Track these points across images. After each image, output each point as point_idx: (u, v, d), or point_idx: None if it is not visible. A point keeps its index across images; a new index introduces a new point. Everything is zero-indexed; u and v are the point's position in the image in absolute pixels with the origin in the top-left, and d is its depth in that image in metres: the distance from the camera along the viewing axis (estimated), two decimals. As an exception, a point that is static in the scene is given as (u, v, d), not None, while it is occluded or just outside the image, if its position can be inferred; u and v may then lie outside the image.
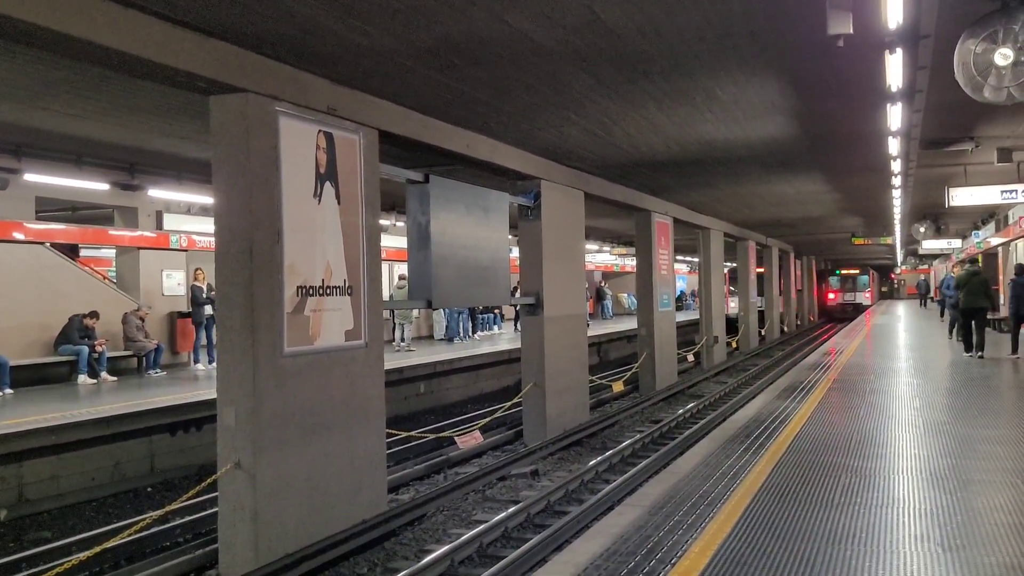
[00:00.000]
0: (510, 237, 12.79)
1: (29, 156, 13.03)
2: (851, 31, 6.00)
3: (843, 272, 51.09)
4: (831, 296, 51.58)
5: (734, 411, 14.18)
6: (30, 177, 14.30)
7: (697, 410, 16.41)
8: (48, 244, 15.73)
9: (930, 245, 33.24)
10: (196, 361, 16.88)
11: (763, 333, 33.63)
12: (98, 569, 7.54)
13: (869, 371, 14.75)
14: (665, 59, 7.99)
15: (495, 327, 28.05)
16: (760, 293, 33.63)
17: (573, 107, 9.84)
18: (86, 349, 14.58)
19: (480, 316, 26.28)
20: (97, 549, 6.99)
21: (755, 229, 30.22)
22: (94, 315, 14.97)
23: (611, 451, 12.21)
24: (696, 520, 5.69)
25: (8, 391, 13.08)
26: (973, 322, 16.58)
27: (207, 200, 17.60)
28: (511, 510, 9.05)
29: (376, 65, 7.77)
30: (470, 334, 25.10)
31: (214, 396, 7.62)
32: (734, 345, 28.64)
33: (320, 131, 8.01)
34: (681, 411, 15.95)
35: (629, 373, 18.59)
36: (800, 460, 7.54)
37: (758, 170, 15.54)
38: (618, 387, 17.41)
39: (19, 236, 15.19)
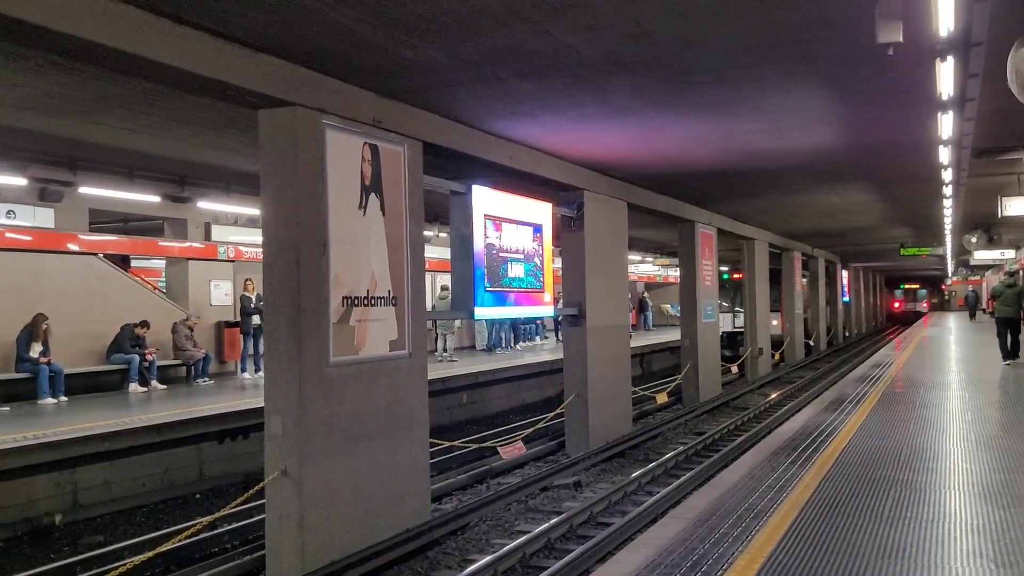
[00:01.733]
0: (553, 248, 12.80)
1: (84, 169, 13.37)
2: (901, 39, 5.93)
3: (906, 287, 70.27)
4: (897, 305, 70.19)
5: (780, 423, 14.04)
6: (84, 190, 14.68)
7: (742, 422, 16.25)
8: (101, 255, 16.08)
9: (982, 256, 32.56)
10: (243, 370, 17.13)
11: (810, 344, 33.18)
12: (150, 574, 7.67)
13: (919, 384, 14.50)
14: (709, 69, 7.96)
15: (537, 338, 28.05)
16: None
17: (617, 118, 9.84)
18: (137, 358, 14.86)
19: (522, 327, 26.30)
20: (150, 554, 7.12)
21: (801, 240, 29.89)
22: (145, 324, 15.26)
23: (654, 463, 12.14)
24: (742, 533, 5.64)
25: (63, 398, 13.38)
26: (1008, 330, 17.44)
27: (254, 212, 17.90)
28: (554, 521, 9.04)
29: (421, 78, 7.85)
30: (512, 345, 25.12)
31: (261, 405, 7.74)
32: (778, 357, 28.30)
33: (365, 143, 8.11)
34: (725, 423, 15.81)
35: (672, 384, 18.47)
36: (848, 473, 7.44)
37: (804, 180, 15.38)
38: (661, 398, 17.30)
39: (73, 247, 15.55)
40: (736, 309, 28.33)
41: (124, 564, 6.91)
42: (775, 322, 27.71)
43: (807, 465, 7.80)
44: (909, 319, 58.95)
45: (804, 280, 32.26)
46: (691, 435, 15.21)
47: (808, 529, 5.73)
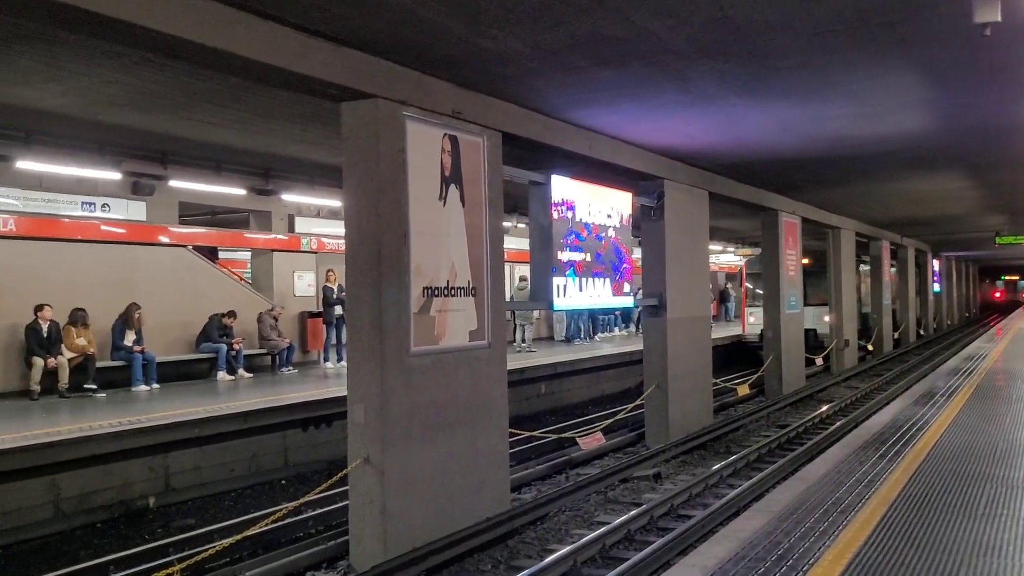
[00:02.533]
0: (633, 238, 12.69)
1: (174, 163, 13.79)
2: (999, 19, 5.69)
3: (1006, 278, 75.05)
4: (997, 295, 74.94)
5: (867, 417, 13.69)
6: (174, 183, 15.14)
7: (827, 415, 15.89)
8: (190, 247, 16.57)
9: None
10: (326, 360, 17.45)
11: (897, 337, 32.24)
12: (238, 556, 7.88)
13: (1016, 376, 13.95)
14: (796, 54, 7.77)
15: (616, 328, 27.89)
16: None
17: (699, 106, 9.69)
18: (225, 347, 15.28)
19: (601, 317, 26.18)
20: (238, 537, 7.31)
21: (889, 228, 29.00)
22: (232, 315, 15.68)
23: (736, 455, 11.96)
24: (828, 527, 5.51)
25: (155, 386, 13.85)
26: None
27: (336, 204, 18.22)
28: (633, 512, 8.98)
29: (500, 68, 7.85)
30: (591, 335, 25.03)
31: (343, 393, 7.86)
32: (870, 348, 27.56)
33: (445, 134, 8.16)
34: (810, 416, 15.48)
35: (755, 376, 18.15)
36: (940, 468, 7.20)
37: (894, 166, 14.91)
38: (743, 390, 17.02)
39: (164, 239, 16.06)
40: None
41: (214, 546, 7.13)
42: (826, 318, 24.08)
43: (896, 460, 7.59)
44: (1010, 308, 62.58)
45: (892, 270, 31.28)
46: (774, 428, 14.93)
47: (898, 525, 5.57)
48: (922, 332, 37.32)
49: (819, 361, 22.29)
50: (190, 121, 10.72)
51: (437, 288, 7.99)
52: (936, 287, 43.17)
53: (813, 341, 23.65)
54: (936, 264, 42.76)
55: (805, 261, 23.00)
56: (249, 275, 20.11)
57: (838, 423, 14.65)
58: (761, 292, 21.21)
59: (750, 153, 12.90)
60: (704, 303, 14.67)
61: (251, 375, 15.56)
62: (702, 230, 14.62)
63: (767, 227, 18.68)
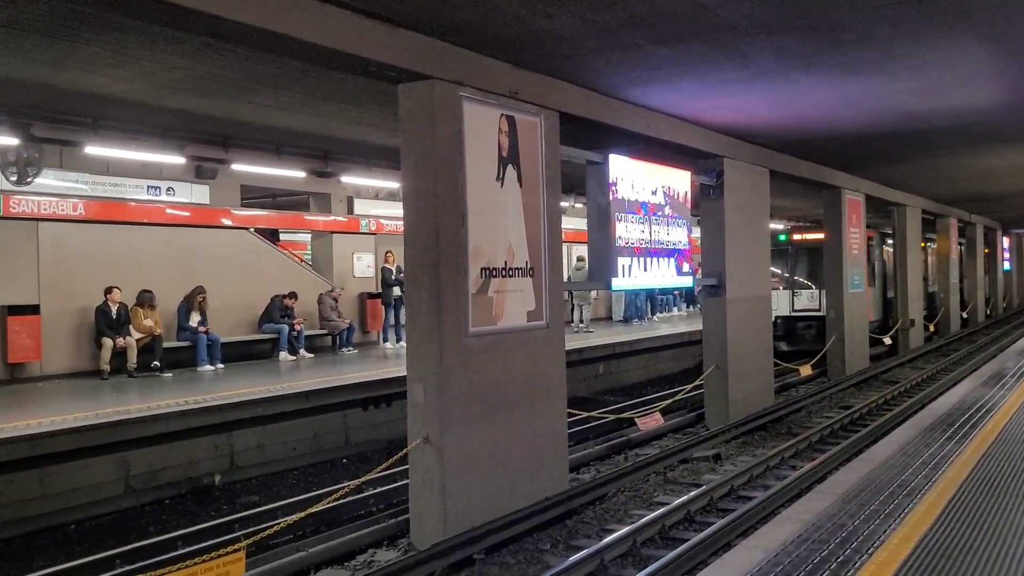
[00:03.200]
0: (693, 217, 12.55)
1: (235, 147, 13.99)
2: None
3: None
4: None
5: (933, 398, 13.40)
6: (236, 167, 15.38)
7: (892, 396, 15.58)
8: (252, 229, 16.85)
9: None
10: (385, 340, 17.64)
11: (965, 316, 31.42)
12: (301, 533, 8.04)
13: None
14: (859, 27, 7.57)
15: (674, 308, 27.67)
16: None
17: (759, 82, 9.51)
18: (286, 328, 15.53)
19: (659, 297, 25.99)
20: (301, 514, 7.45)
21: (957, 205, 28.21)
22: (293, 296, 15.92)
23: (798, 436, 11.81)
24: (894, 510, 5.42)
25: (220, 366, 14.15)
26: None
27: (393, 185, 18.34)
28: (693, 493, 8.94)
29: (557, 47, 7.80)
30: (649, 315, 24.88)
31: (402, 374, 7.94)
32: (932, 329, 26.92)
33: (502, 115, 8.14)
34: (874, 397, 15.20)
35: (817, 357, 17.87)
36: (1010, 452, 7.02)
37: (961, 142, 14.48)
38: (805, 371, 16.76)
39: (227, 222, 16.35)
40: (800, 282, 20.97)
41: (278, 523, 7.27)
42: (810, 302, 20.72)
43: (964, 442, 7.42)
44: None
45: (960, 248, 30.43)
46: (837, 409, 14.70)
47: (966, 508, 5.45)
48: (990, 312, 36.32)
49: (886, 341, 21.83)
50: (251, 105, 10.85)
51: (495, 269, 8.00)
52: (1006, 265, 41.97)
53: (785, 333, 19.98)
54: (1006, 241, 41.54)
55: (811, 235, 20.69)
56: (309, 257, 20.39)
57: (904, 404, 14.37)
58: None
59: (812, 129, 12.64)
60: (765, 283, 14.48)
61: (312, 355, 15.80)
62: (762, 209, 14.40)
63: (829, 205, 18.32)
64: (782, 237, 21.42)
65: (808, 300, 20.55)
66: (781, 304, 20.03)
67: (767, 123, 12.02)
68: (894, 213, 23.34)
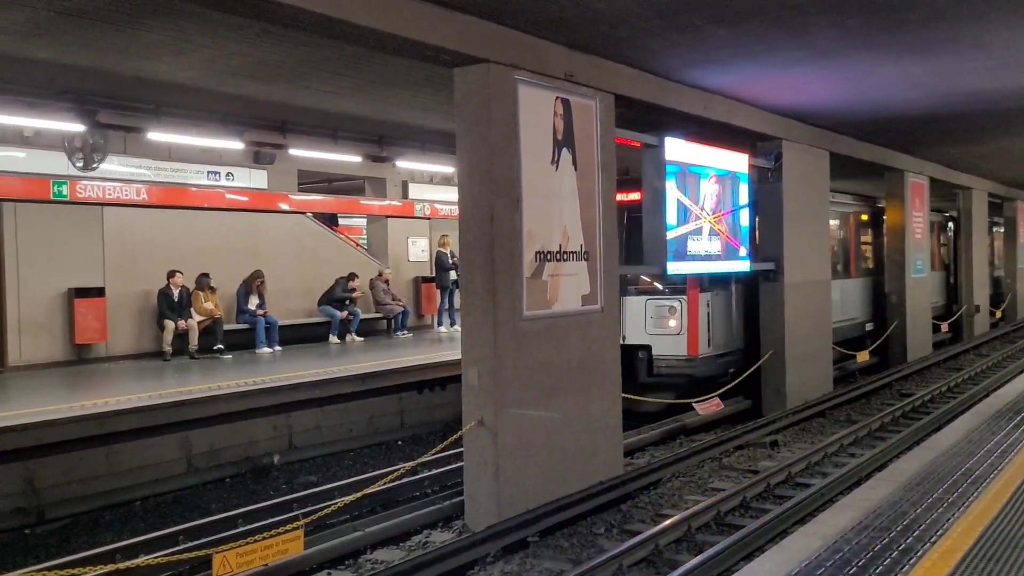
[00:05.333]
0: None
1: (292, 132, 14.16)
2: None
3: None
4: None
5: (999, 386, 13.08)
6: (294, 152, 15.56)
7: (955, 384, 15.23)
8: (309, 214, 17.05)
9: None
10: (439, 324, 17.75)
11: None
12: (357, 513, 8.15)
13: None
14: (925, 6, 7.36)
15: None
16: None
17: (820, 62, 9.32)
18: (338, 314, 15.66)
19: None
20: (358, 494, 7.54)
21: (1026, 188, 27.39)
22: (354, 276, 16.10)
23: (858, 424, 11.61)
24: (958, 499, 5.31)
25: (278, 348, 14.38)
26: None
27: (448, 170, 18.39)
28: (749, 479, 8.85)
29: (613, 29, 7.72)
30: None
31: (456, 357, 7.97)
32: (998, 315, 26.20)
33: (557, 97, 8.10)
34: (936, 384, 14.87)
35: (876, 344, 17.53)
36: (1080, 441, 6.82)
37: (1031, 122, 14.04)
38: (863, 357, 16.44)
39: (284, 207, 16.57)
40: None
41: (336, 503, 7.39)
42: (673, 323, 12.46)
43: (1032, 431, 7.22)
44: None
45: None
46: (897, 396, 14.42)
47: (1034, 499, 5.31)
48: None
49: (944, 327, 21.33)
50: (308, 90, 10.96)
51: (549, 252, 7.99)
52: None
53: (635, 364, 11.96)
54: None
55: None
56: (365, 241, 20.58)
57: (968, 392, 14.04)
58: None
59: (874, 111, 12.36)
60: (823, 267, 14.23)
61: (362, 339, 15.91)
62: (822, 192, 14.15)
63: (891, 188, 17.94)
64: None
65: (657, 316, 12.06)
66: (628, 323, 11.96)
67: (828, 104, 11.79)
68: (959, 196, 22.75)
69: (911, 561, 4.32)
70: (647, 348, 11.92)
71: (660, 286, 12.12)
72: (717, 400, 11.53)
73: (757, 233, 12.88)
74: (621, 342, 9.78)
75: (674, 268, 10.35)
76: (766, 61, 9.20)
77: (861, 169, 17.28)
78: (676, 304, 11.88)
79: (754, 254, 12.46)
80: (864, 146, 15.49)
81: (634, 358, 11.74)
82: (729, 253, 11.48)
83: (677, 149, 10.27)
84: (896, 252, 17.97)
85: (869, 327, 17.61)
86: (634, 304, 12.07)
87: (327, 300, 15.88)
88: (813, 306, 13.59)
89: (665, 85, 9.74)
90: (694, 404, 11.31)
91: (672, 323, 11.88)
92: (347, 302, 15.88)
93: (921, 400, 13.56)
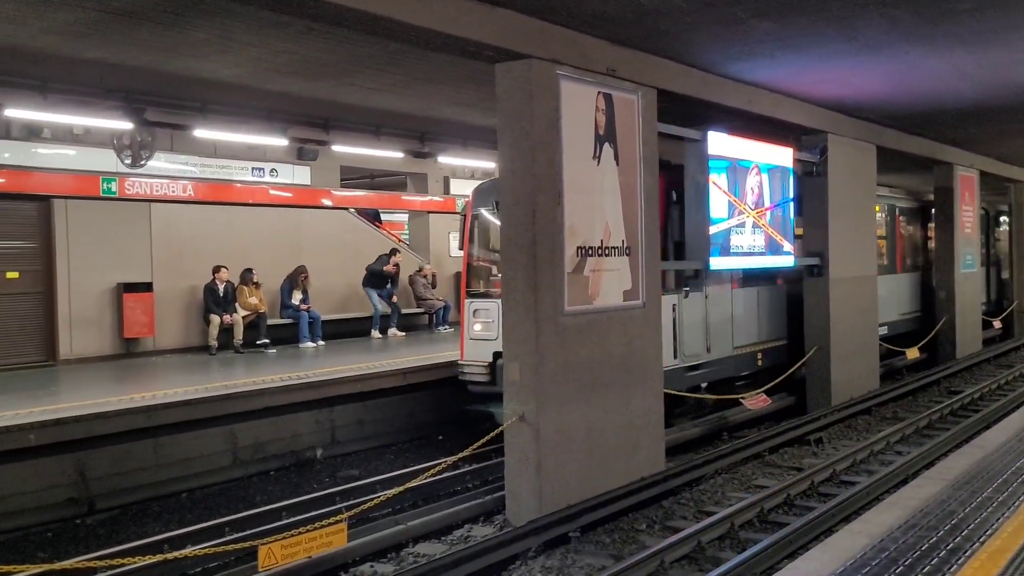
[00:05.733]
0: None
1: (335, 129, 14.29)
2: None
3: None
4: None
5: (1051, 384, 12.80)
6: (336, 148, 15.70)
7: (1005, 381, 14.94)
8: (352, 210, 17.17)
9: None
10: (481, 319, 17.75)
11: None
12: (399, 507, 8.20)
13: None
14: (976, -5, 7.22)
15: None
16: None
17: (866, 55, 9.18)
18: (379, 308, 15.74)
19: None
20: (400, 488, 7.60)
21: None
22: (395, 252, 16.26)
23: (905, 421, 11.44)
24: (1008, 498, 5.21)
25: (321, 343, 14.52)
26: None
27: (490, 165, 18.42)
28: (793, 477, 8.76)
29: (656, 23, 7.68)
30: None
31: (499, 352, 7.97)
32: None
33: (599, 92, 8.07)
34: (986, 382, 14.60)
35: (925, 340, 17.24)
36: None
37: (1086, 114, 13.70)
38: (912, 354, 16.18)
39: (327, 203, 16.72)
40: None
41: (378, 497, 7.45)
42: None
43: (1086, 430, 7.06)
44: None
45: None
46: (946, 394, 14.18)
47: (1088, 500, 5.19)
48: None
49: (996, 324, 20.90)
50: (352, 87, 11.05)
51: (591, 248, 7.97)
52: None
53: None
54: None
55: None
56: (407, 237, 20.67)
57: (1019, 390, 13.76)
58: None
59: (922, 104, 12.14)
60: (870, 262, 14.04)
61: (403, 334, 15.96)
62: (868, 186, 13.95)
63: (940, 182, 17.62)
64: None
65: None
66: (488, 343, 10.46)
67: (874, 97, 11.61)
68: (1011, 189, 22.27)
69: (959, 561, 4.25)
70: None
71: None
72: (764, 396, 11.42)
73: (801, 228, 12.75)
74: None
75: (717, 263, 10.27)
76: (811, 54, 9.08)
77: (908, 163, 17.01)
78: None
79: (799, 249, 12.33)
80: (912, 139, 15.23)
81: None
82: (773, 248, 11.36)
83: (720, 143, 10.18)
84: (944, 247, 17.66)
85: (913, 327, 17.25)
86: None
87: (368, 278, 15.89)
88: (859, 302, 13.41)
89: (708, 79, 9.66)
90: (742, 399, 11.21)
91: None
92: (387, 283, 15.91)
93: (970, 397, 13.32)
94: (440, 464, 8.10)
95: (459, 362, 10.79)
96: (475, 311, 10.78)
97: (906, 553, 4.38)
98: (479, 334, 10.58)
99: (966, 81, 10.69)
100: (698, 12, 7.41)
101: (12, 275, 12.55)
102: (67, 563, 6.45)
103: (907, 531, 4.68)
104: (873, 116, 13.16)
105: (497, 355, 9.54)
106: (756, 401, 11.21)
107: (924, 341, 16.87)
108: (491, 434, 7.98)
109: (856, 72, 10.05)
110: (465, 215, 11.75)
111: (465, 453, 8.63)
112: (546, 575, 6.69)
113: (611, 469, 8.21)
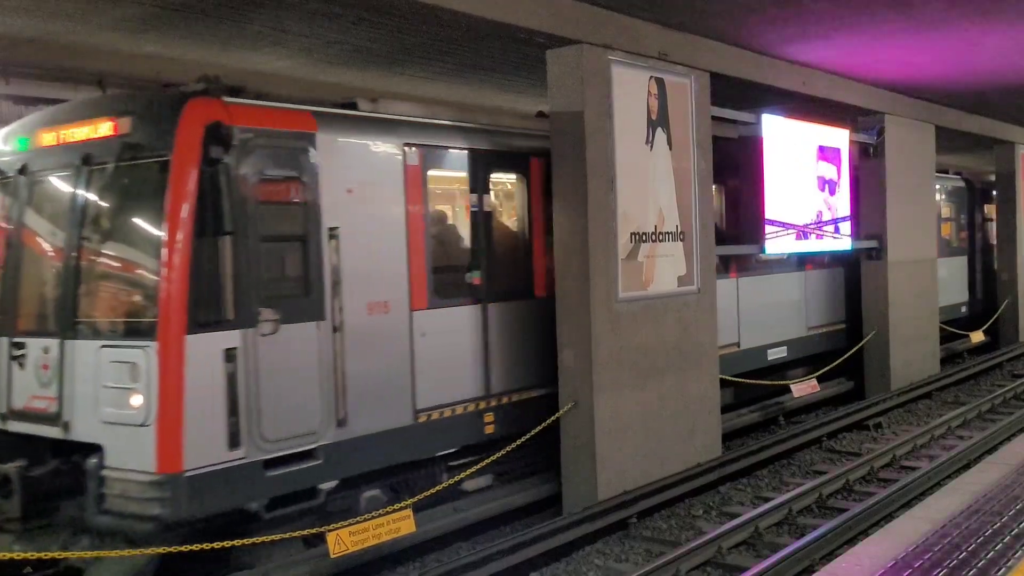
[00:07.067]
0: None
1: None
2: None
3: None
4: None
5: (1121, 367, 12.46)
6: (388, 138, 15.77)
7: (1072, 365, 14.58)
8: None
9: None
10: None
11: None
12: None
13: None
14: (1040, -33, 7.04)
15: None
16: None
17: (924, 33, 8.99)
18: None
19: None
20: (460, 476, 7.64)
21: None
22: None
23: (966, 406, 11.23)
24: (1077, 484, 5.10)
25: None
26: None
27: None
28: (852, 462, 8.67)
29: (710, 5, 7.60)
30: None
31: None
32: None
33: (651, 77, 8.03)
34: (1051, 366, 14.28)
35: (988, 323, 16.86)
36: None
37: None
38: (976, 337, 15.83)
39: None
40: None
41: (442, 485, 7.50)
42: None
43: None
44: None
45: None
46: (1009, 377, 13.88)
47: None
48: None
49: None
50: (403, 76, 11.10)
51: (644, 233, 7.95)
52: None
53: None
54: None
55: None
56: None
57: (1085, 374, 13.43)
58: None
59: (983, 82, 11.85)
60: (929, 245, 13.78)
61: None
62: (927, 167, 13.69)
63: (1002, 161, 17.20)
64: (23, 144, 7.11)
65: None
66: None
67: (933, 76, 11.36)
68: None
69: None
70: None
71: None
72: (814, 382, 11.30)
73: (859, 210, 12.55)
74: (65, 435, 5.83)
75: (773, 247, 10.17)
76: (868, 34, 8.92)
77: (968, 142, 16.63)
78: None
79: (856, 231, 12.14)
80: (972, 118, 14.89)
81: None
82: (830, 230, 11.19)
83: (774, 126, 10.06)
84: (1006, 228, 17.22)
85: (963, 311, 16.79)
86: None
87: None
88: (918, 285, 13.17)
89: (761, 61, 9.55)
90: (791, 385, 11.10)
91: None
92: None
93: (1035, 382, 13.04)
94: (498, 454, 8.13)
95: None
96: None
97: (969, 539, 4.32)
98: None
99: (1030, 57, 10.41)
100: (751, -7, 7.32)
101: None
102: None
103: (969, 516, 4.62)
104: (931, 95, 12.88)
105: None
106: (805, 388, 11.09)
107: (988, 324, 16.49)
108: (547, 421, 7.99)
109: (914, 51, 9.84)
110: None
111: (521, 440, 8.67)
112: (604, 561, 6.71)
113: (667, 455, 8.20)
